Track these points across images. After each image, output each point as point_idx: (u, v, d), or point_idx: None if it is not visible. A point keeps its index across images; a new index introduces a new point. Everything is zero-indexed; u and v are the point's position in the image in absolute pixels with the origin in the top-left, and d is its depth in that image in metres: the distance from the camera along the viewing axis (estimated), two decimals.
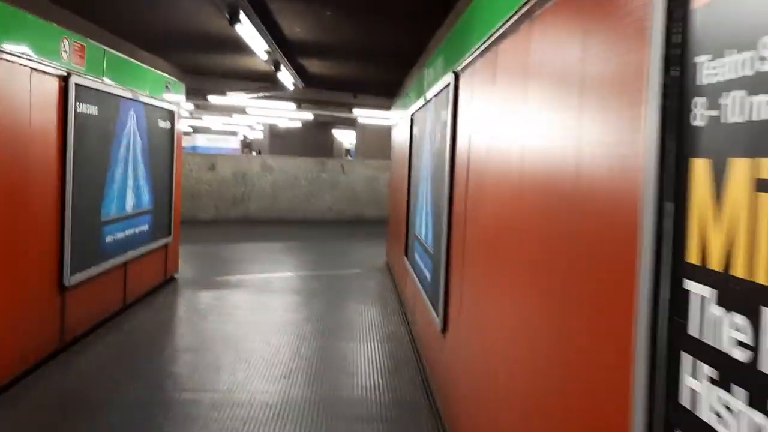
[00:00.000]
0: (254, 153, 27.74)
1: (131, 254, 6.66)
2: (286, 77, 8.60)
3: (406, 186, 7.32)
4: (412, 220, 6.75)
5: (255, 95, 10.58)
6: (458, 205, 3.86)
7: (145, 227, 7.12)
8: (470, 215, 3.46)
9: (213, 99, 11.05)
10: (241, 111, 15.62)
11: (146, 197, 7.14)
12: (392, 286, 8.52)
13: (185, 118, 21.98)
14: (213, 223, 14.84)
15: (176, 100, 8.08)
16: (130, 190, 6.64)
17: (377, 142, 16.71)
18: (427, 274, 5.12)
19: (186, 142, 28.34)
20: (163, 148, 7.70)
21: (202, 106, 14.52)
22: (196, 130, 28.39)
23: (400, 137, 8.82)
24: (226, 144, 27.43)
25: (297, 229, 14.61)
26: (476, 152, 3.39)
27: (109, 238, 6.09)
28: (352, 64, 9.52)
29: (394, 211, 9.43)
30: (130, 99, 6.51)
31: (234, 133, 29.08)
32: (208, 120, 23.31)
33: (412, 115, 6.96)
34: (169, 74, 7.90)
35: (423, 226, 5.65)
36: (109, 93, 5.96)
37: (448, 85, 4.24)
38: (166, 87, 7.71)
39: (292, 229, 14.57)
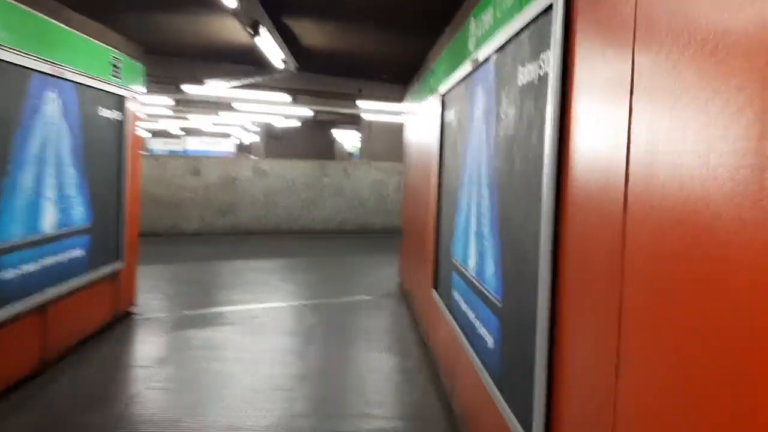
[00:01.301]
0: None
1: (53, 291, 4.76)
2: (272, 49, 6.65)
3: (432, 193, 5.42)
4: (444, 240, 4.85)
5: (239, 82, 8.65)
6: (585, 235, 1.95)
7: (77, 252, 5.22)
8: (649, 262, 1.54)
9: (188, 89, 9.13)
10: (227, 106, 13.69)
11: (78, 211, 5.24)
12: (411, 322, 6.62)
13: (167, 117, 20.09)
14: (197, 236, 12.99)
15: (129, 82, 6.19)
16: (48, 203, 4.73)
17: (385, 142, 14.83)
18: (486, 336, 3.21)
19: (177, 145, 26.51)
20: (108, 144, 5.80)
21: (182, 102, 12.61)
22: (188, 132, 26.59)
23: (420, 130, 6.92)
24: (220, 147, 25.53)
25: (294, 242, 12.76)
26: (662, 150, 1.48)
27: (9, 273, 4.19)
28: (359, 32, 7.44)
29: (412, 223, 7.53)
30: (49, 75, 4.62)
31: (227, 135, 27.14)
32: (197, 121, 21.43)
33: (443, 95, 5.07)
34: (128, 55, 6.03)
35: (470, 255, 3.75)
36: (4, 62, 4.06)
37: (542, 13, 2.34)
38: (113, 65, 5.82)
39: (287, 242, 12.71)
